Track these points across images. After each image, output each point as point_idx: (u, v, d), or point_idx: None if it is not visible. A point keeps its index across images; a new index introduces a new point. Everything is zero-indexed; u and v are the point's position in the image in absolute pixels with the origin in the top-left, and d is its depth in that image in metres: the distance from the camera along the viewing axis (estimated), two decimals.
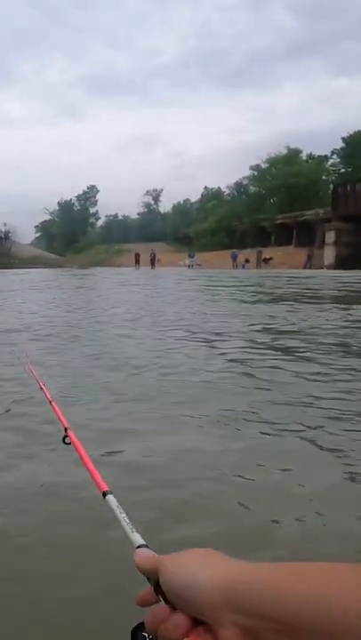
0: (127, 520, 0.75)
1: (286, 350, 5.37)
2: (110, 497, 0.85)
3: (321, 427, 2.95)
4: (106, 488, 0.88)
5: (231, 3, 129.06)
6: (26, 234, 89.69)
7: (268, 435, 2.91)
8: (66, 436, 1.35)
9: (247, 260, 42.61)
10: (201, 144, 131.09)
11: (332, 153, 64.62)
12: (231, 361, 4.74)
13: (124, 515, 0.77)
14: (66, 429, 1.35)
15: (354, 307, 9.49)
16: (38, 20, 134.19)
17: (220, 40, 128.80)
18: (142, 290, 15.62)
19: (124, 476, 2.49)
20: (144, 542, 0.65)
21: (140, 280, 19.51)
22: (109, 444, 2.89)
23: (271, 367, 4.49)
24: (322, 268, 34.15)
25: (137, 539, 0.66)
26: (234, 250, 44.36)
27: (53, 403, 1.68)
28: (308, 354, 5.10)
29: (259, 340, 5.94)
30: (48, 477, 2.50)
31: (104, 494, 0.87)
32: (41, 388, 1.99)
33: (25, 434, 3.04)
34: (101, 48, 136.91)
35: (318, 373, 4.20)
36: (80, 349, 5.45)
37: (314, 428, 2.93)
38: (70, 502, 2.27)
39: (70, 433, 1.33)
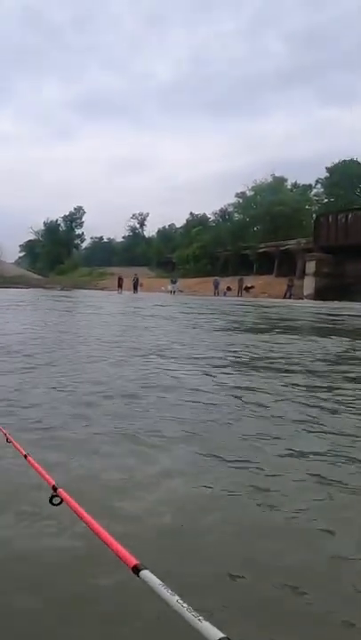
0: (184, 604, 0.63)
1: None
2: (146, 573, 0.73)
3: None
4: (136, 562, 0.76)
5: (227, 29, 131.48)
6: (10, 252, 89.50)
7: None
8: (54, 496, 1.24)
9: (229, 288, 42.77)
10: (189, 169, 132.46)
11: (317, 182, 65.77)
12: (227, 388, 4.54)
13: (176, 597, 0.65)
14: (55, 488, 1.25)
15: (319, 338, 9.48)
16: (36, 39, 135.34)
17: (213, 66, 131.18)
18: (118, 317, 15.51)
19: (146, 542, 1.88)
20: (224, 635, 0.53)
21: (119, 306, 19.42)
22: (109, 499, 2.28)
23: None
24: (301, 299, 34.35)
25: (210, 630, 0.54)
26: (216, 277, 44.57)
27: (29, 457, 1.57)
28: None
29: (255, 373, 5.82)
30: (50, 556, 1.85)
31: (136, 570, 0.75)
32: (9, 440, 1.82)
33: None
34: (97, 70, 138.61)
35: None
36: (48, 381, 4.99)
37: None
38: (89, 589, 1.67)
39: (61, 492, 1.21)
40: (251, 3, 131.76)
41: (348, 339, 9.27)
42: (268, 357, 6.70)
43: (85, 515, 1.04)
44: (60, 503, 1.22)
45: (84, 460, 2.75)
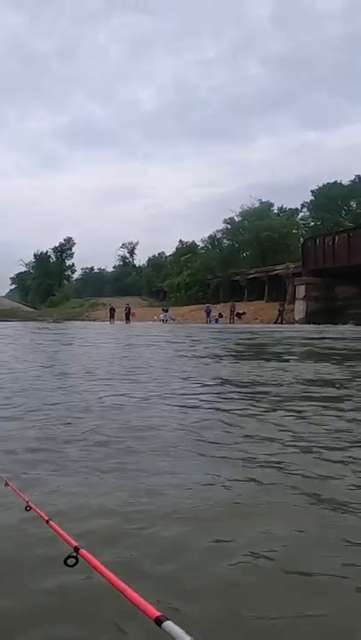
0: None
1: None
2: (169, 624, 0.74)
3: None
4: (158, 613, 0.78)
5: (209, 56, 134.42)
6: (1, 285, 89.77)
7: None
8: (71, 557, 1.27)
9: (220, 315, 42.98)
10: (177, 196, 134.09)
11: (302, 206, 66.77)
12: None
13: None
14: (76, 549, 1.28)
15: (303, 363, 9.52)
16: (22, 70, 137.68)
17: (197, 93, 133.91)
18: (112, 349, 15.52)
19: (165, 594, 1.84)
20: None
21: (111, 337, 19.41)
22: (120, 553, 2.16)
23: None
24: (293, 323, 34.53)
25: None
26: (208, 304, 44.84)
27: (51, 522, 1.59)
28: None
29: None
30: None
31: (158, 621, 0.76)
32: (30, 507, 1.84)
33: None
34: (82, 99, 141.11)
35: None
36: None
37: None
38: None
39: (84, 552, 1.24)
40: (231, 29, 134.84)
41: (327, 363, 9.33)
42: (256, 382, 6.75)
43: (107, 571, 1.09)
44: (75, 564, 1.26)
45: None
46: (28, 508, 1.86)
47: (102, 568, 1.12)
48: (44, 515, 1.68)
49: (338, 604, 1.83)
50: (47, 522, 1.60)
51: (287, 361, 10.40)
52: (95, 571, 1.15)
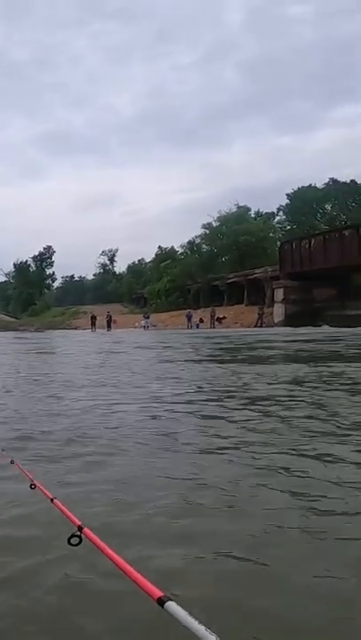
0: (212, 634, 0.64)
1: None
2: (172, 604, 0.75)
3: None
4: (160, 593, 0.79)
5: (185, 62, 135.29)
6: None
7: None
8: (75, 536, 1.28)
9: (201, 320, 43.32)
10: (156, 203, 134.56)
11: (278, 210, 67.57)
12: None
13: (204, 627, 0.66)
14: (80, 528, 1.29)
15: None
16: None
17: (174, 99, 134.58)
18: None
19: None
20: None
21: (91, 345, 19.63)
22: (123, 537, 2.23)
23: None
24: (273, 326, 35.01)
25: None
26: (189, 310, 45.16)
27: (56, 500, 1.62)
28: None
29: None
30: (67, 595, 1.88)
31: (161, 602, 0.77)
32: (34, 485, 1.88)
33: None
34: (60, 107, 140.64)
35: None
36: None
37: None
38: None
39: (87, 531, 1.25)
40: (206, 35, 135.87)
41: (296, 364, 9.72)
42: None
43: (110, 551, 1.10)
44: (79, 544, 1.28)
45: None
46: (32, 487, 1.92)
47: (105, 548, 1.12)
48: (48, 493, 1.72)
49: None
50: (52, 500, 1.64)
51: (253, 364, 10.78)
52: (98, 550, 1.15)
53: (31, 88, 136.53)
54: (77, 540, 1.27)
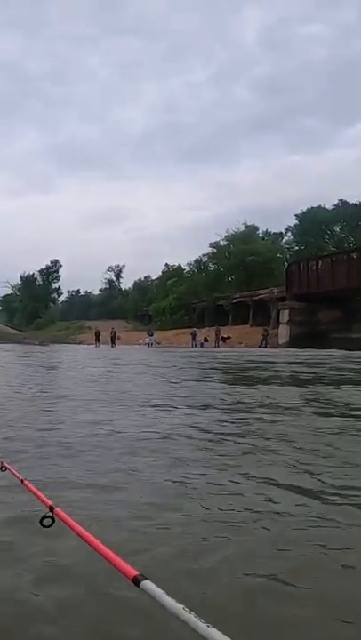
0: (190, 612, 0.62)
1: None
2: (147, 583, 0.73)
3: None
4: (136, 572, 0.77)
5: (198, 79, 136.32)
6: None
7: None
8: (47, 517, 1.25)
9: (206, 339, 43.10)
10: (164, 220, 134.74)
11: (287, 230, 67.67)
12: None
13: (182, 605, 0.65)
14: (51, 508, 1.27)
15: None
16: (13, 91, 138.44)
17: (185, 115, 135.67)
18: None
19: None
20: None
21: (94, 360, 19.41)
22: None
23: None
24: (277, 347, 34.70)
25: (220, 637, 0.55)
26: (194, 328, 45.00)
27: (26, 482, 1.63)
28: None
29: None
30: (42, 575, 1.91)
31: (136, 581, 0.75)
32: (4, 467, 1.93)
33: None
34: (72, 121, 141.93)
35: None
36: None
37: None
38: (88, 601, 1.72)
39: (59, 511, 1.23)
40: (219, 52, 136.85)
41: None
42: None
43: (83, 531, 1.07)
44: (52, 525, 1.25)
45: None
46: (3, 469, 1.93)
47: (78, 527, 1.10)
48: (18, 475, 1.71)
49: None
50: (22, 481, 1.63)
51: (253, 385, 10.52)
52: (71, 530, 1.13)
53: (44, 101, 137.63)
54: (50, 521, 1.24)
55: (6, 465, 1.91)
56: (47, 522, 1.25)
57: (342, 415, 6.45)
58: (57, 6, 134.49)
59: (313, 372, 13.75)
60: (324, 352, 26.44)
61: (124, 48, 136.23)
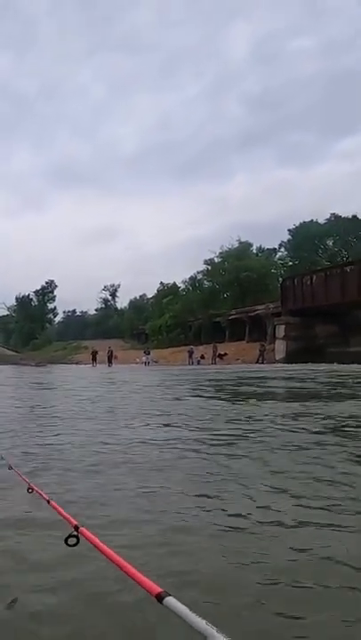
0: (213, 627, 0.63)
1: None
2: (171, 600, 0.73)
3: None
4: (159, 590, 0.78)
5: (189, 95, 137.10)
6: None
7: None
8: (72, 537, 1.28)
9: (202, 357, 43.09)
10: (159, 237, 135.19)
11: (280, 246, 68.00)
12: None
13: (205, 621, 0.66)
14: (76, 528, 1.30)
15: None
16: (4, 109, 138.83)
17: (177, 131, 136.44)
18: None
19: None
20: None
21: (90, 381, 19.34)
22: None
23: None
24: (274, 363, 34.70)
25: None
26: (191, 346, 45.02)
27: (52, 502, 1.68)
28: None
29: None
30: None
31: (160, 597, 0.76)
32: (31, 489, 2.00)
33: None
34: (66, 139, 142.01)
35: None
36: None
37: None
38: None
39: (84, 530, 1.26)
40: (210, 66, 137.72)
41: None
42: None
43: (106, 549, 1.09)
44: (77, 544, 1.27)
45: None
46: (30, 490, 1.99)
47: (103, 546, 1.12)
48: (45, 495, 1.77)
49: None
50: (48, 502, 1.68)
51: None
52: (96, 549, 1.15)
53: (36, 119, 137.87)
54: (75, 540, 1.25)
55: (33, 486, 1.98)
56: (72, 541, 1.27)
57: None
58: (46, 24, 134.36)
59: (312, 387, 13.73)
60: (323, 366, 26.48)
61: (116, 64, 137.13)
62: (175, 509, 3.01)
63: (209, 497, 3.32)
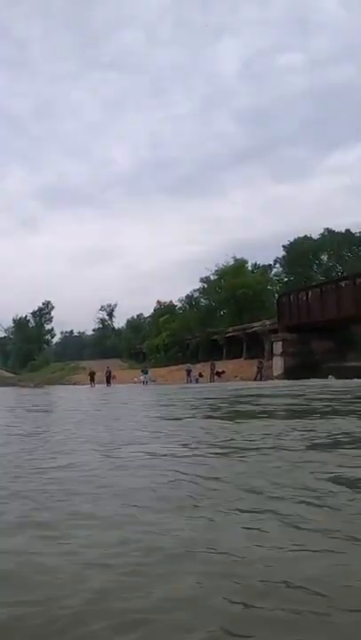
0: None
1: None
2: None
3: None
4: None
5: (181, 113, 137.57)
6: None
7: None
8: None
9: (200, 375, 43.18)
10: (154, 256, 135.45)
11: (275, 262, 68.34)
12: None
13: None
14: None
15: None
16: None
17: (171, 149, 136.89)
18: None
19: None
20: None
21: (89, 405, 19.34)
22: None
23: None
24: (272, 379, 34.79)
25: None
26: (188, 364, 45.09)
27: None
28: None
29: None
30: None
31: None
32: None
33: None
34: (59, 159, 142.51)
35: None
36: None
37: None
38: None
39: None
40: (200, 84, 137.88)
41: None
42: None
43: None
44: None
45: None
46: None
47: None
48: None
49: None
50: None
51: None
52: None
53: (30, 139, 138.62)
54: None
55: None
56: None
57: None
58: (39, 45, 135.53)
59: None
60: (323, 381, 26.58)
61: (107, 84, 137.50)
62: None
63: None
